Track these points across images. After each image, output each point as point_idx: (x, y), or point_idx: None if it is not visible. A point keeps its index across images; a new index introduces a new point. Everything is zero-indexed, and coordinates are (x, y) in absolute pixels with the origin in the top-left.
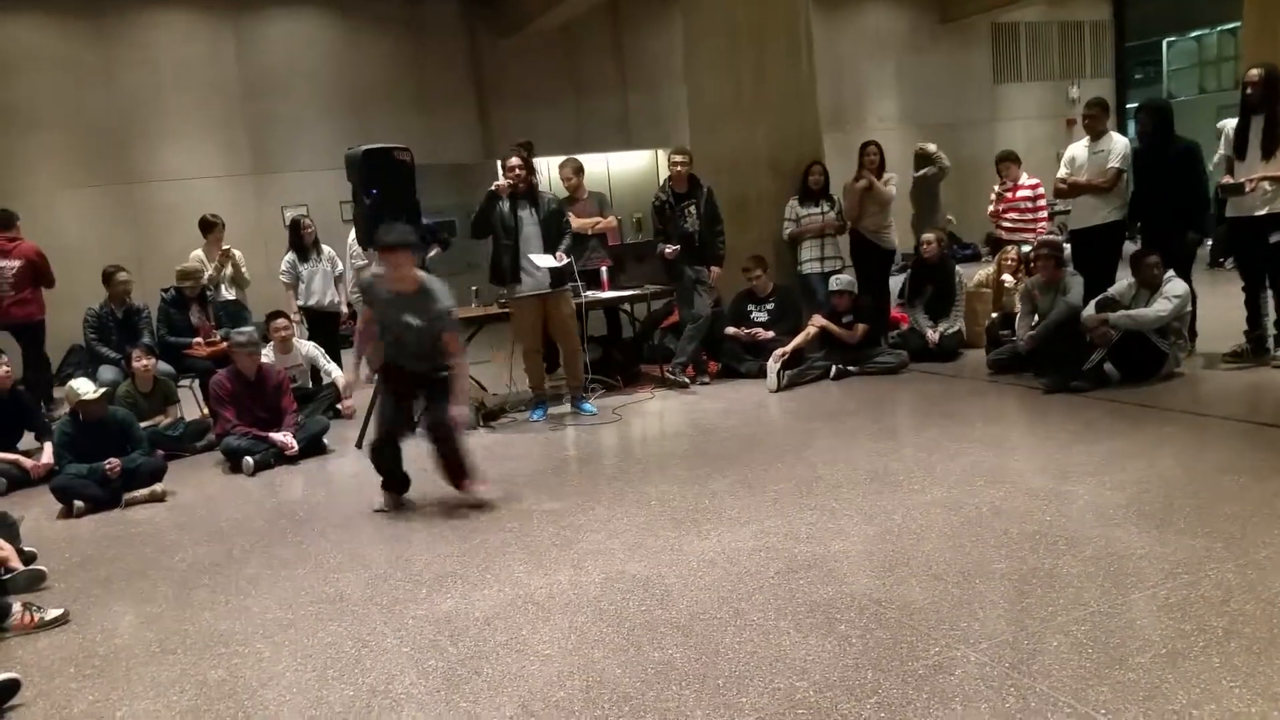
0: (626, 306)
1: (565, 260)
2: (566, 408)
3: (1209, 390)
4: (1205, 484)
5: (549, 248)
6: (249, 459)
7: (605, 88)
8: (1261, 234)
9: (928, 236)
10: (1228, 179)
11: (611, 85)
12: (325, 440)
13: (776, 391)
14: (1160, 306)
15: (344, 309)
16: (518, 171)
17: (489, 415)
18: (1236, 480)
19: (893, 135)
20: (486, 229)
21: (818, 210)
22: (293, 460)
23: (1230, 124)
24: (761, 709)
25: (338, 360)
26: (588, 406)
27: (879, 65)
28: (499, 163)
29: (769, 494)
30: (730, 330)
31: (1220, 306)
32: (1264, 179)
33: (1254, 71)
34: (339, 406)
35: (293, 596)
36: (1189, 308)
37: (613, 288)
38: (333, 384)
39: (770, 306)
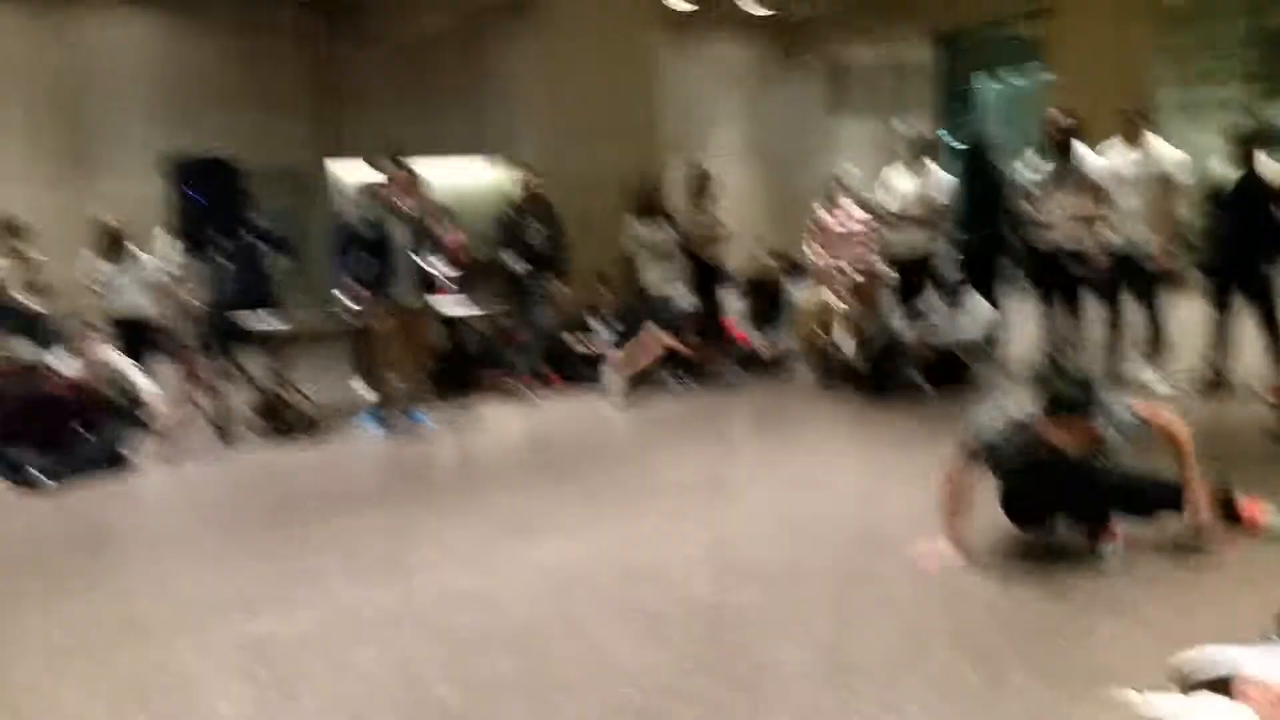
0: (469, 318)
1: (441, 270)
2: (402, 419)
3: None
4: None
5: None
6: (34, 472)
7: (456, 101)
8: (1061, 267)
9: (758, 254)
10: (1032, 213)
11: (462, 99)
12: (125, 454)
13: (618, 404)
14: (962, 323)
15: (156, 317)
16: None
17: (310, 425)
18: None
19: (733, 163)
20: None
21: (658, 230)
22: (91, 471)
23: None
24: (589, 717)
25: (146, 370)
26: (422, 417)
27: (725, 95)
28: (377, 171)
29: (607, 503)
30: (573, 343)
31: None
32: (1068, 216)
33: (1056, 113)
34: (144, 419)
35: (83, 623)
36: (991, 325)
37: (456, 300)
38: (138, 396)
39: (613, 321)
